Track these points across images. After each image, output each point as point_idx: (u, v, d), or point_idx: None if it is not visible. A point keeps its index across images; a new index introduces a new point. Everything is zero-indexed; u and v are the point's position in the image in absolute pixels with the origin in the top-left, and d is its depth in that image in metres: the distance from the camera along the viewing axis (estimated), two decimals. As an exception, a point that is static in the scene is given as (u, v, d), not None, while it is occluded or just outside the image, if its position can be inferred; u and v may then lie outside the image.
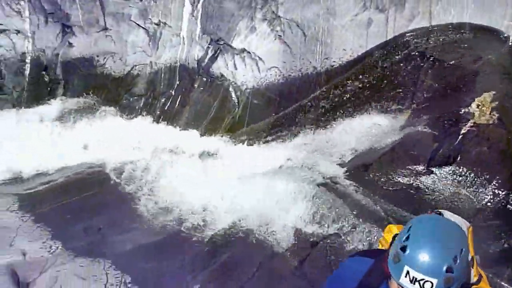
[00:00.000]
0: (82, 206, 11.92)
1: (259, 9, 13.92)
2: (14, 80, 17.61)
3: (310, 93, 12.99)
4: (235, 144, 13.34)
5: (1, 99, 17.89)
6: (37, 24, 17.40)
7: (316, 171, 10.54)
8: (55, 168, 14.37)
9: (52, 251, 10.03)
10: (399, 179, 9.81)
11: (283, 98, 13.49)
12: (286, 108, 13.37)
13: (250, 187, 10.81)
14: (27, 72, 17.65)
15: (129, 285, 8.54)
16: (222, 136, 14.04)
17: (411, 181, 9.68)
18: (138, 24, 15.74)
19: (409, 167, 9.75)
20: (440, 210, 3.01)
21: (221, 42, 14.52)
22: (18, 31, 17.71)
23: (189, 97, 15.08)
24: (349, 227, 9.25)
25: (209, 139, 14.02)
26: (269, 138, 12.96)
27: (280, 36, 13.54)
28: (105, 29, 16.16)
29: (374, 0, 12.58)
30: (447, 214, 3.00)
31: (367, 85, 12.40)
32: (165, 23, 15.38)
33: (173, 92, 15.29)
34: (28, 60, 17.57)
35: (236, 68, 14.24)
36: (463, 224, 2.98)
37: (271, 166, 11.73)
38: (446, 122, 10.26)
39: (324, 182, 10.08)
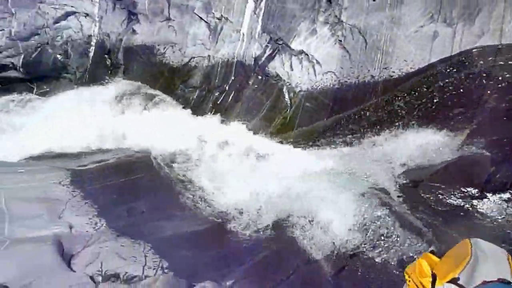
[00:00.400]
0: (128, 188, 12.23)
1: (322, 12, 13.80)
2: (78, 61, 18.40)
3: (365, 101, 12.75)
4: (283, 145, 13.31)
5: (65, 78, 18.76)
6: (105, 10, 18.10)
7: (364, 180, 10.33)
8: (107, 148, 14.88)
9: (96, 227, 10.36)
10: (449, 199, 9.45)
11: (336, 104, 13.32)
12: (338, 114, 13.20)
13: (295, 189, 10.74)
14: (91, 54, 18.39)
15: (166, 270, 8.67)
16: (271, 135, 14.06)
17: (462, 203, 9.30)
18: (201, 17, 16.01)
19: (462, 188, 9.36)
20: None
21: (280, 42, 14.52)
22: (87, 15, 18.49)
23: (242, 94, 15.18)
24: (389, 240, 9.01)
25: (257, 137, 14.06)
26: (318, 142, 12.83)
27: (341, 41, 13.38)
28: (169, 19, 16.55)
29: (443, 13, 12.18)
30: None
31: (425, 100, 12.02)
32: (226, 18, 15.55)
33: (227, 87, 15.45)
34: (93, 43, 18.30)
35: (292, 69, 14.20)
36: None
37: (318, 170, 11.61)
38: (506, 146, 9.79)
39: (370, 192, 9.86)
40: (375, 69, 12.86)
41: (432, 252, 3.09)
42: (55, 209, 10.86)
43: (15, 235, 9.44)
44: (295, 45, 14.20)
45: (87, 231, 10.23)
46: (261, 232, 9.84)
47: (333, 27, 13.57)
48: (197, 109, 15.63)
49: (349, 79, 13.19)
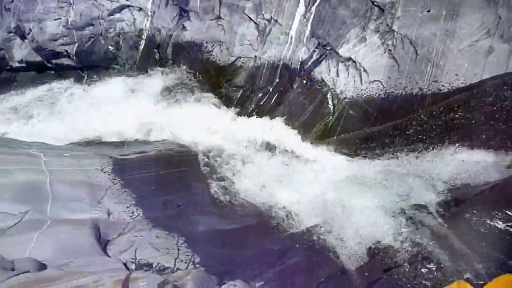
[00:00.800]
0: (167, 180, 12.44)
1: (374, 20, 13.59)
2: (128, 53, 18.93)
3: (411, 113, 12.45)
4: (323, 151, 13.18)
5: (114, 69, 19.35)
6: (158, 5, 18.53)
7: (404, 194, 10.07)
8: (149, 140, 15.21)
9: (133, 216, 10.58)
10: (493, 222, 9.05)
11: (380, 114, 13.08)
12: (382, 124, 12.95)
13: (333, 196, 10.60)
14: (141, 47, 18.88)
15: (197, 265, 8.75)
16: (312, 141, 13.97)
17: (507, 227, 8.89)
18: (250, 18, 16.10)
19: (508, 211, 8.95)
20: None
21: (328, 48, 14.41)
22: (140, 9, 18.99)
23: (285, 97, 15.16)
24: (426, 259, 8.74)
25: (298, 141, 13.99)
26: (359, 151, 12.63)
27: (390, 50, 13.13)
28: (219, 18, 16.74)
29: (500, 28, 11.73)
30: None
31: (474, 117, 11.60)
32: (276, 21, 15.58)
33: (271, 89, 15.47)
34: (144, 37, 18.78)
35: (338, 76, 14.06)
36: None
37: (357, 179, 11.41)
38: (558, 171, 9.32)
39: (409, 208, 9.60)
40: (424, 81, 12.54)
41: (467, 279, 2.99)
42: (95, 195, 11.17)
43: (56, 216, 9.76)
44: (343, 51, 14.04)
45: (124, 218, 10.46)
46: (296, 237, 9.78)
47: (383, 36, 13.33)
48: (240, 109, 15.72)
49: (396, 89, 12.92)
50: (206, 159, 13.59)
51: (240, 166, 13.19)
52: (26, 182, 10.79)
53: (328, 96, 14.16)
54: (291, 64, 15.11)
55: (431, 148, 11.57)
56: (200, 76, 17.01)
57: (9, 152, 11.94)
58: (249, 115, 15.40)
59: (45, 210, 9.96)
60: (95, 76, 19.80)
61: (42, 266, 7.36)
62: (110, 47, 19.07)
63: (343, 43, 14.08)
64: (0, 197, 10.01)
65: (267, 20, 15.75)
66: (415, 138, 11.81)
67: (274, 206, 10.98)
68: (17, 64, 20.84)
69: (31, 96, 19.89)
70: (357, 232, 9.42)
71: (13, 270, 6.90)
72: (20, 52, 20.84)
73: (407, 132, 12.02)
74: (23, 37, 20.43)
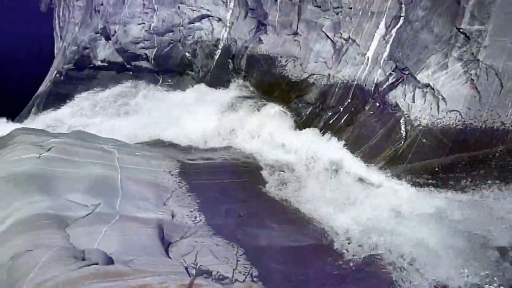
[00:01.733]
0: (230, 189, 12.55)
1: (458, 47, 13.07)
2: (204, 61, 19.47)
3: (490, 148, 11.78)
4: (391, 177, 12.77)
5: (188, 75, 19.97)
6: (237, 17, 18.95)
7: (479, 236, 9.46)
8: (215, 147, 15.47)
9: (196, 221, 10.75)
10: None
11: (456, 145, 12.48)
12: (456, 156, 12.36)
13: (398, 225, 10.22)
14: (216, 56, 19.36)
15: (255, 279, 8.71)
16: (379, 165, 13.59)
17: None
18: (328, 36, 16.03)
19: None
20: None
21: (406, 72, 14.01)
22: (219, 19, 19.51)
23: (356, 118, 14.89)
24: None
25: (364, 164, 13.67)
26: (430, 181, 12.11)
27: (473, 80, 12.53)
28: (296, 33, 16.81)
29: None
30: None
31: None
32: (354, 40, 15.40)
33: (341, 109, 15.27)
34: (220, 46, 19.26)
35: (413, 102, 13.61)
36: None
37: (427, 211, 10.93)
38: None
39: (484, 252, 9.02)
40: (507, 116, 11.84)
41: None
42: (161, 196, 11.48)
43: (124, 212, 10.11)
44: (422, 77, 13.59)
45: (186, 222, 10.65)
46: (356, 263, 9.49)
47: (467, 64, 12.77)
48: (308, 126, 15.62)
49: (475, 121, 12.29)
50: (270, 173, 13.59)
51: (303, 183, 13.06)
52: (99, 176, 11.29)
53: (401, 121, 13.73)
54: (365, 85, 14.85)
55: (508, 187, 10.87)
56: (271, 89, 17.13)
57: (85, 145, 12.56)
58: (318, 133, 15.26)
59: (114, 205, 10.36)
60: (169, 80, 20.53)
61: (109, 260, 7.61)
62: (187, 54, 19.71)
63: (423, 68, 13.63)
64: (75, 188, 10.53)
65: (345, 39, 15.60)
66: (495, 175, 11.13)
67: (336, 228, 10.73)
68: (99, 63, 22.05)
69: (109, 94, 20.92)
70: (423, 268, 8.98)
71: (83, 259, 7.19)
72: (103, 52, 22.05)
73: (486, 167, 11.37)
74: (108, 38, 21.62)
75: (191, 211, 11.11)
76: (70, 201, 9.92)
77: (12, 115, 21.72)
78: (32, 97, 24.90)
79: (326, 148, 14.43)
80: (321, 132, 15.26)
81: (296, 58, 16.63)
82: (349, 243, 10.04)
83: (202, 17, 19.57)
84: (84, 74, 22.52)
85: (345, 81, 15.34)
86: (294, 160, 14.10)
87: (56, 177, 10.60)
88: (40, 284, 6.22)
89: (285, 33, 17.06)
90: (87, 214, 9.64)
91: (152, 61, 20.32)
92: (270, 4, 17.38)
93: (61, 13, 26.64)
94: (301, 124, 15.89)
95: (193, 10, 19.62)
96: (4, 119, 19.65)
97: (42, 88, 24.74)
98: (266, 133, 15.48)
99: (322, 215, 11.21)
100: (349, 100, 15.17)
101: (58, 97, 22.59)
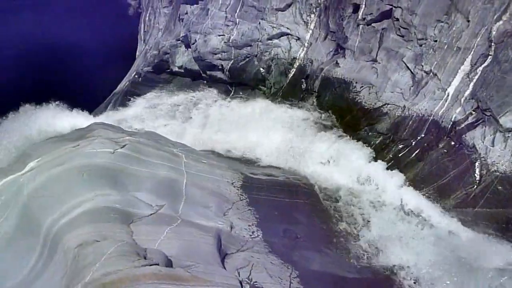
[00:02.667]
0: (290, 209, 12.47)
1: (549, 94, 12.29)
2: (277, 78, 19.63)
3: None
4: (459, 221, 12.13)
5: (260, 90, 20.19)
6: (317, 38, 18.97)
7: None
8: (279, 165, 15.44)
9: (253, 236, 10.73)
10: None
11: (535, 198, 11.67)
12: (535, 209, 11.54)
13: (465, 274, 9.64)
14: (290, 75, 19.47)
15: (306, 304, 8.55)
16: (446, 207, 12.96)
17: None
18: (408, 67, 15.62)
19: None
20: None
21: (488, 113, 13.32)
22: (298, 38, 19.63)
23: (427, 154, 14.32)
24: None
25: (431, 203, 13.08)
26: (502, 232, 11.37)
27: (563, 131, 11.71)
28: (374, 61, 16.53)
29: None
30: None
31: None
32: (435, 74, 14.89)
33: (413, 143, 14.75)
34: (295, 65, 19.35)
35: (493, 145, 12.88)
36: None
37: (490, 260, 10.26)
38: None
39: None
40: None
41: None
42: (222, 206, 11.60)
43: (186, 216, 10.30)
44: (505, 121, 12.84)
45: (244, 236, 10.66)
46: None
47: (557, 113, 11.97)
48: (376, 155, 15.22)
49: (560, 175, 11.45)
50: (332, 199, 13.35)
51: (365, 214, 12.72)
52: (166, 178, 11.61)
53: (477, 164, 13.03)
54: (442, 122, 14.26)
55: None
56: (342, 114, 16.92)
57: (156, 147, 12.97)
58: (384, 164, 14.82)
59: (177, 208, 10.58)
60: (241, 93, 20.86)
61: (168, 262, 7.74)
62: (261, 69, 19.97)
63: (507, 112, 12.89)
64: (142, 187, 10.88)
65: (425, 72, 15.13)
66: None
67: (395, 264, 10.30)
68: (176, 69, 22.85)
69: (182, 99, 21.59)
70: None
71: (145, 258, 7.36)
72: (182, 58, 22.85)
73: None
74: (188, 46, 22.39)
75: (249, 225, 11.13)
76: (137, 198, 10.27)
77: (89, 109, 22.90)
78: (109, 94, 26.22)
79: (393, 181, 13.96)
80: (390, 164, 14.80)
81: (371, 85, 16.32)
82: (414, 282, 9.60)
83: (281, 35, 19.79)
84: (161, 78, 23.42)
85: (420, 115, 14.82)
86: (358, 190, 13.77)
87: (126, 173, 11.02)
88: (105, 276, 6.43)
89: (363, 59, 16.83)
90: (151, 214, 9.92)
91: (227, 72, 20.77)
92: (352, 29, 17.25)
93: (147, 18, 28.01)
94: (368, 152, 15.49)
95: (273, 27, 19.91)
96: (84, 113, 20.76)
97: (120, 86, 26.01)
98: (332, 159, 15.25)
99: (381, 248, 10.82)
100: (423, 135, 14.63)
101: (134, 97, 23.62)
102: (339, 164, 14.87)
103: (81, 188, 10.10)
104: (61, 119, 20.34)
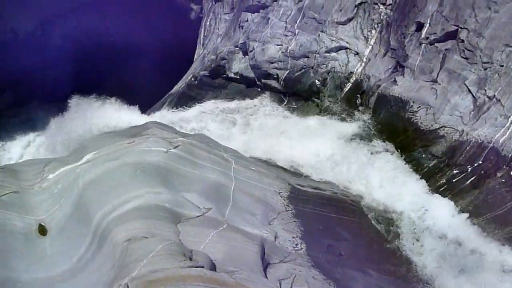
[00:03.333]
0: (335, 225, 12.32)
1: None
2: (332, 91, 19.45)
3: None
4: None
5: (314, 102, 20.04)
6: (376, 54, 18.68)
7: None
8: (327, 179, 15.27)
9: (296, 248, 10.66)
10: None
11: None
12: None
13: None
14: (346, 89, 19.24)
15: (347, 324, 8.38)
16: (500, 239, 12.36)
17: None
18: (470, 90, 15.08)
19: None
20: None
21: (554, 145, 12.66)
22: (356, 53, 19.40)
23: (484, 182, 13.73)
24: None
25: (485, 235, 12.53)
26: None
27: None
28: (434, 81, 16.07)
29: None
30: None
31: None
32: (498, 100, 14.29)
33: (469, 169, 14.18)
34: (352, 80, 19.11)
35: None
36: None
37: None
38: None
39: None
40: None
41: None
42: (268, 215, 11.62)
43: (232, 221, 10.39)
44: None
45: (287, 247, 10.62)
46: None
47: None
48: (429, 179, 14.76)
49: None
50: (379, 219, 13.07)
51: (413, 238, 12.35)
52: (215, 181, 11.78)
53: (538, 198, 12.39)
54: (502, 150, 13.64)
55: None
56: (396, 133, 16.53)
57: (208, 150, 13.19)
58: (436, 189, 14.34)
59: (224, 212, 10.69)
60: (294, 104, 20.83)
61: (212, 265, 7.83)
62: (317, 81, 19.86)
63: None
64: (192, 188, 11.09)
65: (488, 97, 14.54)
66: None
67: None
68: (232, 75, 23.14)
69: (235, 105, 21.85)
70: None
71: (190, 259, 7.48)
72: (238, 65, 23.11)
73: None
74: (245, 53, 22.62)
75: (293, 237, 11.07)
76: (186, 199, 10.47)
77: (144, 107, 23.61)
78: (165, 94, 26.91)
79: (444, 207, 13.49)
80: (442, 189, 14.30)
81: (429, 106, 15.85)
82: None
83: (339, 48, 19.62)
84: (216, 83, 23.78)
85: (479, 141, 14.24)
86: (408, 212, 13.40)
87: (178, 174, 11.28)
88: (152, 273, 6.58)
89: (423, 78, 16.38)
90: (198, 216, 10.08)
91: (282, 82, 20.80)
92: (413, 47, 16.85)
93: (207, 23, 28.58)
94: (419, 175, 15.05)
95: (332, 40, 19.79)
96: (139, 111, 21.49)
97: (176, 88, 26.61)
98: (383, 178, 14.89)
99: (430, 275, 10.45)
100: (480, 162, 14.04)
101: (188, 99, 24.11)
102: (389, 184, 14.50)
103: (133, 184, 10.43)
104: (117, 115, 21.16)
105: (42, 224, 10.29)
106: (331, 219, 12.62)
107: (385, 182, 14.69)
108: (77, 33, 31.53)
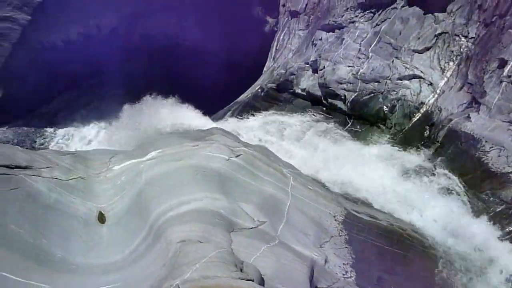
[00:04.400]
0: (389, 257, 11.93)
1: None
2: (399, 119, 18.92)
3: None
4: None
5: (379, 128, 19.59)
6: (451, 87, 18.00)
7: None
8: (384, 209, 14.82)
9: (346, 276, 10.41)
10: None
11: None
12: None
13: None
14: (414, 119, 18.66)
15: None
16: None
17: None
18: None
19: None
20: None
21: None
22: (430, 84, 18.80)
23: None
24: None
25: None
26: None
27: None
28: (511, 122, 15.26)
29: None
30: None
31: None
32: None
33: (541, 220, 13.30)
34: (422, 110, 18.52)
35: None
36: None
37: None
38: None
39: None
40: None
41: None
42: (320, 237, 11.43)
43: (283, 238, 10.31)
44: None
45: (336, 273, 10.38)
46: None
47: None
48: (493, 223, 13.94)
49: None
50: (437, 258, 12.48)
51: (472, 284, 11.67)
52: (271, 196, 11.76)
53: None
54: None
55: None
56: (463, 171, 15.77)
57: (267, 163, 13.21)
58: (503, 235, 13.51)
59: (277, 228, 10.64)
60: (358, 127, 20.45)
61: (261, 280, 7.79)
62: (385, 107, 19.41)
63: None
64: (249, 199, 11.14)
65: None
66: None
67: None
68: (299, 91, 23.17)
69: (297, 121, 21.81)
70: None
71: (241, 270, 7.48)
72: (306, 82, 23.13)
73: None
74: (315, 71, 22.59)
75: (344, 264, 10.81)
76: (242, 209, 10.52)
77: (209, 113, 24.13)
78: (230, 102, 27.37)
79: (509, 255, 12.70)
80: (508, 236, 13.46)
81: (503, 148, 15.02)
82: None
83: (413, 77, 19.10)
84: (282, 97, 23.87)
85: (556, 192, 13.34)
86: (469, 254, 12.71)
87: (236, 182, 11.38)
88: (203, 278, 6.64)
89: (499, 118, 15.57)
90: (252, 227, 10.09)
91: (348, 104, 20.52)
92: (493, 85, 16.07)
93: (281, 37, 28.84)
94: (486, 217, 14.24)
95: (406, 67, 19.31)
96: (205, 115, 22.04)
97: (242, 97, 26.98)
98: (444, 215, 14.25)
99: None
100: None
101: (253, 109, 24.36)
102: (452, 223, 13.84)
103: (193, 187, 10.62)
104: (183, 116, 21.80)
105: (102, 212, 10.69)
106: (385, 250, 12.21)
107: (448, 220, 14.04)
108: (156, 33, 32.93)
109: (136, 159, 12.25)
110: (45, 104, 30.31)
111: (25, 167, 10.20)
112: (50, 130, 29.41)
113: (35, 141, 28.25)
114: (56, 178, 10.50)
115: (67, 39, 29.20)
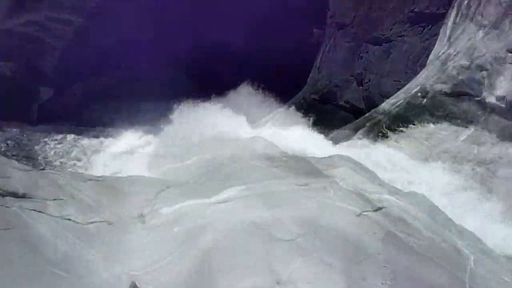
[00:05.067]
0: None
1: None
2: (445, 137, 18.54)
3: None
4: None
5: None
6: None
7: None
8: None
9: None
10: None
11: None
12: None
13: None
14: (460, 138, 18.25)
15: None
16: None
17: None
18: None
19: None
20: None
21: None
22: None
23: None
24: None
25: None
26: None
27: None
28: None
29: None
30: None
31: None
32: None
33: None
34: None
35: None
36: None
37: None
38: None
39: None
40: None
41: None
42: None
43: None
44: None
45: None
46: None
47: None
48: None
49: None
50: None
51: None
52: None
53: None
54: None
55: None
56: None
57: (431, 227, 11.03)
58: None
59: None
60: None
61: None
62: (431, 124, 19.07)
63: None
64: None
65: None
66: None
67: None
68: (342, 103, 23.08)
69: (341, 136, 21.57)
70: None
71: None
72: (349, 94, 23.03)
73: None
74: (360, 83, 22.50)
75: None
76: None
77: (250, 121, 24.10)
78: (272, 111, 27.43)
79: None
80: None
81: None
82: None
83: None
84: (325, 108, 23.84)
85: None
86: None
87: (375, 259, 7.33)
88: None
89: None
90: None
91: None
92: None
93: (326, 49, 28.75)
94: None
95: (454, 85, 18.92)
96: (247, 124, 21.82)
97: (284, 106, 27.10)
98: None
99: None
100: None
101: (294, 119, 24.36)
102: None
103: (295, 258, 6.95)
104: (227, 123, 21.69)
105: (137, 285, 6.26)
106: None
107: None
108: (206, 40, 33.45)
109: (201, 198, 8.32)
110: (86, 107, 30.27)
111: (23, 196, 7.07)
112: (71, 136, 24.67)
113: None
114: (68, 219, 7.20)
115: (115, 44, 30.15)
